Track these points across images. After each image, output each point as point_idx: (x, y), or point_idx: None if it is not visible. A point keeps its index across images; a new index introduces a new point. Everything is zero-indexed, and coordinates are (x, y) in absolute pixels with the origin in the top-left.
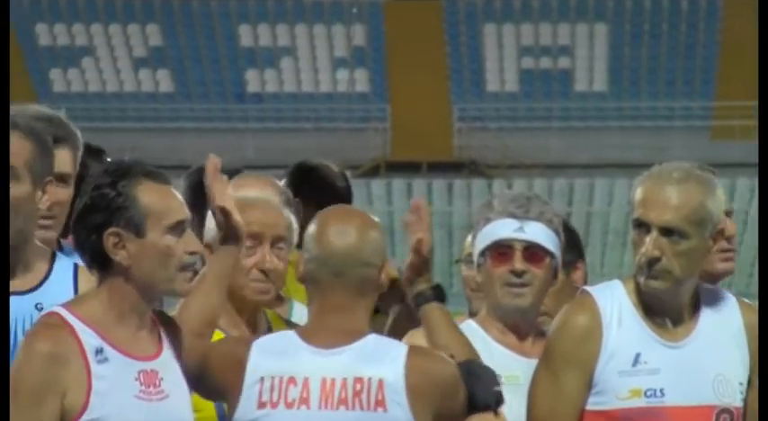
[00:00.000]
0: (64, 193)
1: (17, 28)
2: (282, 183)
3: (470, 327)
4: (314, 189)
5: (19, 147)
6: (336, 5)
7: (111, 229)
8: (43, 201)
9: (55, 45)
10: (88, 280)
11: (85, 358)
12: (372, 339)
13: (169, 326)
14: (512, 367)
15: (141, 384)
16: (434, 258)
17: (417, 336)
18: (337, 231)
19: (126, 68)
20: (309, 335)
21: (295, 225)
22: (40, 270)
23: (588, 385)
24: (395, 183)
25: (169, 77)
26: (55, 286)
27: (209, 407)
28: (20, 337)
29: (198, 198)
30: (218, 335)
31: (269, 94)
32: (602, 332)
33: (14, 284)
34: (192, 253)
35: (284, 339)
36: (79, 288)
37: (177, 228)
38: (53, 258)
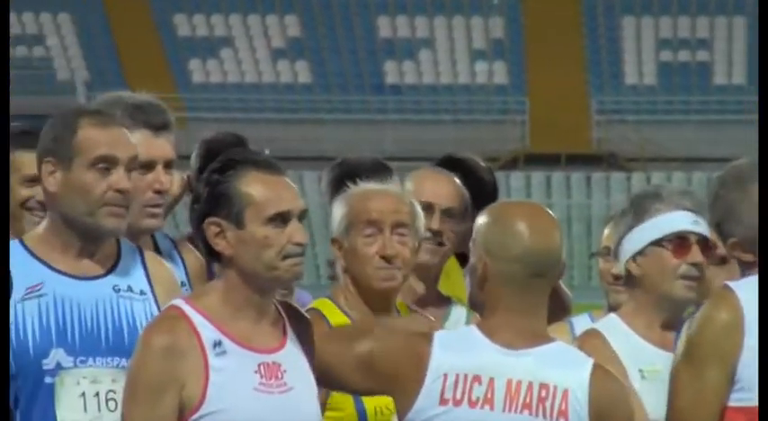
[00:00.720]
0: (169, 180)
1: (157, 19)
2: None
3: (613, 322)
4: (462, 182)
5: (128, 137)
6: None
7: (212, 219)
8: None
9: (194, 36)
10: (155, 262)
11: (203, 351)
12: (557, 345)
13: (297, 318)
14: (654, 361)
15: (261, 376)
16: (572, 251)
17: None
18: (540, 231)
19: (264, 59)
20: (493, 332)
21: (419, 212)
22: (112, 254)
23: (730, 380)
24: (534, 176)
25: (307, 69)
26: (127, 268)
27: (350, 405)
28: (101, 320)
29: (340, 190)
30: (340, 318)
31: (407, 85)
32: (744, 327)
33: (91, 268)
34: (297, 243)
35: (467, 335)
36: (149, 269)
37: (279, 219)
38: (117, 241)
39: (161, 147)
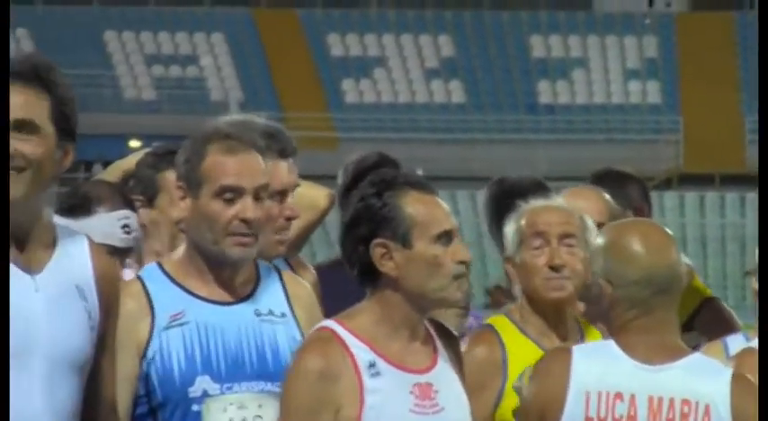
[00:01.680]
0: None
1: (310, 38)
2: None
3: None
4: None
5: (263, 167)
6: (628, 17)
7: (378, 240)
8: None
9: (347, 56)
10: (294, 282)
11: (358, 372)
12: (695, 358)
13: (446, 336)
14: None
15: (416, 397)
16: (726, 271)
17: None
18: (656, 250)
19: (418, 79)
20: (632, 348)
21: (589, 225)
22: (251, 278)
23: None
24: (687, 196)
25: (461, 88)
26: (267, 291)
27: None
28: (244, 346)
29: (499, 208)
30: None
31: (561, 105)
32: None
33: (231, 293)
34: (460, 262)
35: (605, 350)
36: (288, 290)
37: (444, 238)
38: (257, 265)
39: (293, 175)
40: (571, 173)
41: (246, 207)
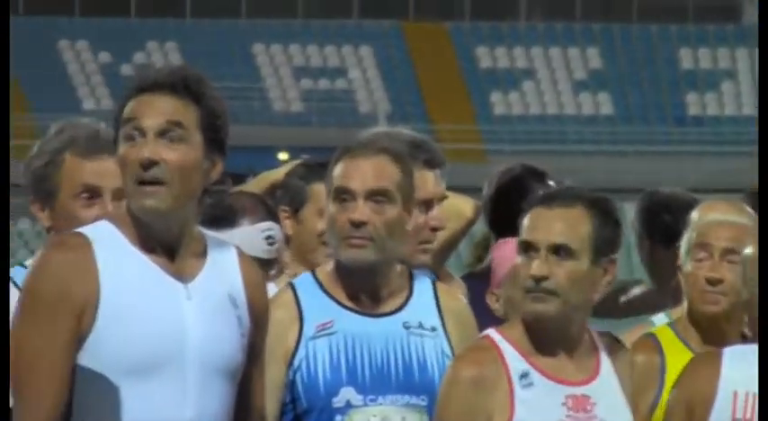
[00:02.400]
0: (441, 217)
1: (458, 51)
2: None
3: None
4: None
5: (390, 171)
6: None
7: None
8: (409, 224)
9: (496, 68)
10: (448, 296)
11: (510, 382)
12: None
13: (614, 349)
14: None
15: (569, 409)
16: None
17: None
18: None
19: (566, 91)
20: None
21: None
22: (403, 290)
23: None
24: None
25: (609, 100)
26: (418, 304)
27: None
28: (391, 358)
29: (649, 221)
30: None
31: (709, 117)
32: None
33: (382, 305)
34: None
35: (755, 353)
36: (441, 303)
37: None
38: (411, 277)
39: (439, 185)
40: (720, 185)
41: (356, 208)
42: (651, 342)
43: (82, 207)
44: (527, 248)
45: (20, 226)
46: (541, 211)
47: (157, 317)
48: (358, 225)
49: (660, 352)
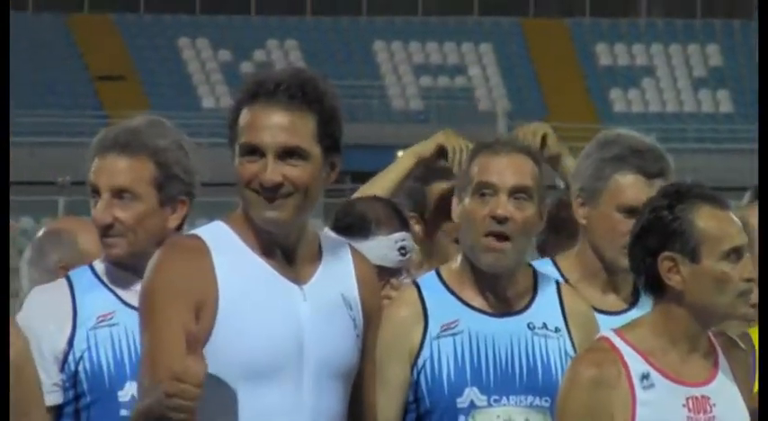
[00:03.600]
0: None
1: (578, 48)
2: None
3: None
4: None
5: (530, 170)
6: None
7: (666, 254)
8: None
9: (615, 65)
10: (572, 296)
11: (631, 384)
12: None
13: (732, 350)
14: None
15: (689, 411)
16: None
17: None
18: None
19: (686, 88)
20: None
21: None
22: (528, 290)
23: None
24: None
25: (729, 97)
26: (543, 305)
27: None
28: (515, 359)
29: None
30: None
31: None
32: None
33: (506, 304)
34: (747, 280)
35: None
36: (565, 304)
37: (733, 255)
38: (535, 277)
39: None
40: None
41: (499, 203)
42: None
43: (92, 206)
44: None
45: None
46: None
47: (274, 320)
48: (501, 220)
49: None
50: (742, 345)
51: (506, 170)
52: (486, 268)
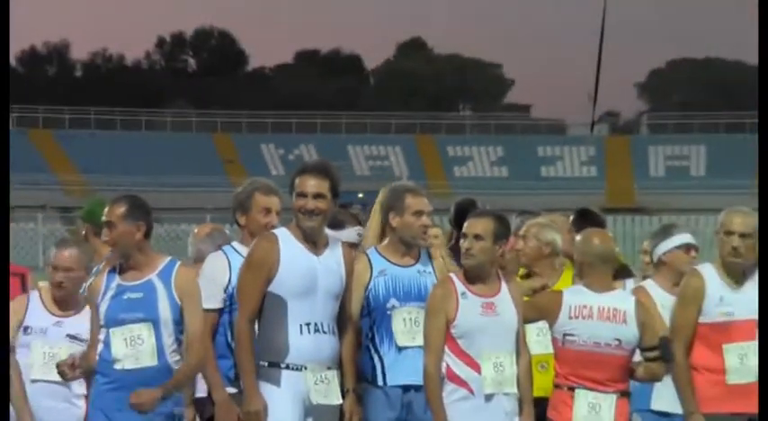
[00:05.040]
0: None
1: None
2: None
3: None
4: None
5: None
6: None
7: None
8: None
9: None
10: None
11: (457, 297)
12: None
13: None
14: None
15: (484, 309)
16: None
17: None
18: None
19: None
20: None
21: None
22: (416, 251)
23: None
24: None
25: None
26: (424, 258)
27: None
28: (413, 287)
29: None
30: None
31: None
32: None
33: (409, 260)
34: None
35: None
36: (431, 258)
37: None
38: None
39: None
40: None
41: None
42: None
43: (263, 218)
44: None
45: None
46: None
47: (305, 268)
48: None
49: None
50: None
51: None
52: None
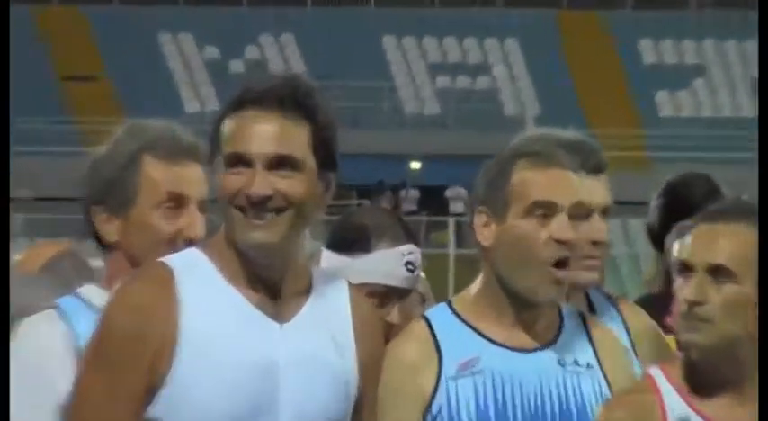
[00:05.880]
0: (604, 229)
1: (618, 45)
2: None
3: None
4: None
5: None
6: None
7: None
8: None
9: (662, 64)
10: (601, 330)
11: None
12: None
13: None
14: None
15: None
16: None
17: None
18: None
19: (743, 90)
20: None
21: None
22: (553, 321)
23: None
24: None
25: None
26: (570, 338)
27: None
28: (545, 399)
29: None
30: None
31: None
32: None
33: (530, 339)
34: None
35: None
36: (593, 338)
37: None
38: (559, 307)
39: (599, 192)
40: None
41: (565, 224)
42: None
43: (163, 218)
44: (683, 269)
45: None
46: (702, 228)
47: (242, 364)
48: (585, 246)
49: None
50: None
51: (561, 188)
52: (546, 300)
